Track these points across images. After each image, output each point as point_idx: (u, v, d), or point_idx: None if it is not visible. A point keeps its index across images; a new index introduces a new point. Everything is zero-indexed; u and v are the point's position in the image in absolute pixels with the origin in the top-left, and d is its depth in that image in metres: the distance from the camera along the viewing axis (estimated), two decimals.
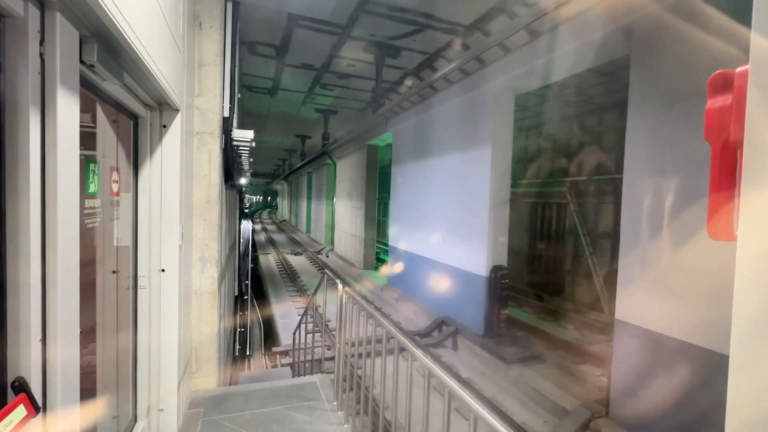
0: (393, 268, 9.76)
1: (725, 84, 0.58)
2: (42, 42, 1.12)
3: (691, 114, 3.27)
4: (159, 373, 2.44)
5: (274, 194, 55.67)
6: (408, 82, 7.58)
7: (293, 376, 5.09)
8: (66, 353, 1.22)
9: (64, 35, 1.18)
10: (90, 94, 1.65)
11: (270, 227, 32.98)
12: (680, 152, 3.34)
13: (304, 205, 25.99)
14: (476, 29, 5.28)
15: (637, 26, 3.81)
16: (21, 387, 1.03)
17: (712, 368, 3.05)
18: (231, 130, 3.83)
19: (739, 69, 0.55)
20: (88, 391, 1.83)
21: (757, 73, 0.52)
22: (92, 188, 1.75)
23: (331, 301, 4.61)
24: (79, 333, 1.32)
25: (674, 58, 3.42)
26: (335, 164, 15.99)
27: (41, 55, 1.12)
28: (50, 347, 1.16)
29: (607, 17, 4.01)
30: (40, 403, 1.10)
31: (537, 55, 5.04)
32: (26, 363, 1.08)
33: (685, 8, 3.30)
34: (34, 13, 1.09)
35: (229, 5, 3.61)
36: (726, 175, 0.58)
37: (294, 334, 5.64)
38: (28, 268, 1.09)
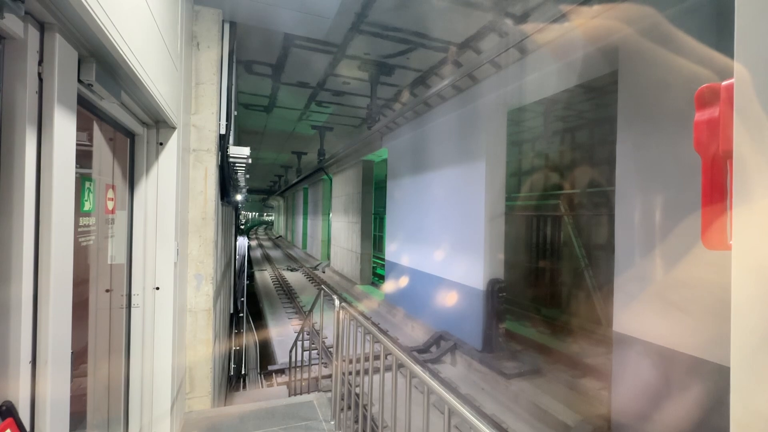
0: (390, 283, 9.70)
1: (712, 97, 0.59)
2: (41, 62, 1.13)
3: (679, 128, 3.34)
4: (152, 395, 2.37)
5: (270, 210, 55.57)
6: (402, 98, 7.70)
7: (290, 396, 4.98)
8: (56, 376, 1.18)
9: (62, 55, 1.19)
10: (87, 113, 1.66)
11: (266, 243, 32.79)
12: (669, 166, 3.39)
13: (300, 220, 25.93)
14: (468, 47, 5.40)
15: (624, 44, 3.93)
16: (8, 411, 1.00)
17: (709, 376, 3.03)
18: (227, 147, 3.84)
19: (724, 82, 0.57)
20: (78, 414, 1.77)
21: (741, 86, 0.53)
22: (87, 206, 1.74)
23: (327, 317, 4.56)
24: (70, 354, 1.29)
25: (659, 75, 3.52)
26: (331, 180, 16.05)
27: (39, 74, 1.12)
28: (40, 369, 1.13)
29: (593, 36, 4.14)
30: (27, 428, 1.06)
31: (528, 72, 5.16)
32: (15, 386, 1.05)
33: (665, 30, 3.42)
34: (33, 34, 1.10)
35: (227, 26, 3.68)
36: (717, 185, 0.59)
37: (290, 352, 5.55)
38: (19, 286, 1.07)
